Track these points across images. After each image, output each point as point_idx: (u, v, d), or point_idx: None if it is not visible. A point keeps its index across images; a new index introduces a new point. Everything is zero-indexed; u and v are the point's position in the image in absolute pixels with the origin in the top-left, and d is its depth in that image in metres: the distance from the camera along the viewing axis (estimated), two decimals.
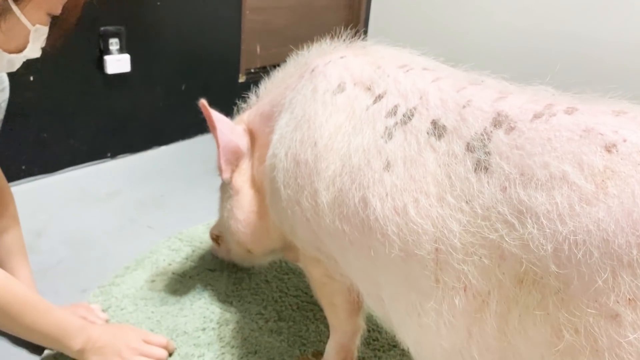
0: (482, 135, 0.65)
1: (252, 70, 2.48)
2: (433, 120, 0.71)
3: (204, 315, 1.22)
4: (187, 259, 1.43)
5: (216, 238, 1.36)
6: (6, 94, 1.17)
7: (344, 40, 1.04)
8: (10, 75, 1.27)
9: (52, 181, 1.81)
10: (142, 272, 1.36)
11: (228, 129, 1.10)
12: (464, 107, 0.70)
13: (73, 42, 1.74)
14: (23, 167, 1.75)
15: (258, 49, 2.47)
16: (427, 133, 0.71)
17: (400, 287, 0.70)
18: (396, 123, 0.75)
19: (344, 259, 0.85)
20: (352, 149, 0.79)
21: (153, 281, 1.33)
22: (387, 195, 0.71)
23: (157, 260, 1.41)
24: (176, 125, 2.17)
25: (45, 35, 0.92)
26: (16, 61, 0.92)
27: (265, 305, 1.27)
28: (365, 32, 2.96)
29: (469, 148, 0.65)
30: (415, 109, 0.75)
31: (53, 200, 1.70)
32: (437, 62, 0.90)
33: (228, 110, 2.40)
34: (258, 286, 1.33)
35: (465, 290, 0.60)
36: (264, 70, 2.59)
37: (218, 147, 1.10)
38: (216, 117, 1.10)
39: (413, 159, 0.71)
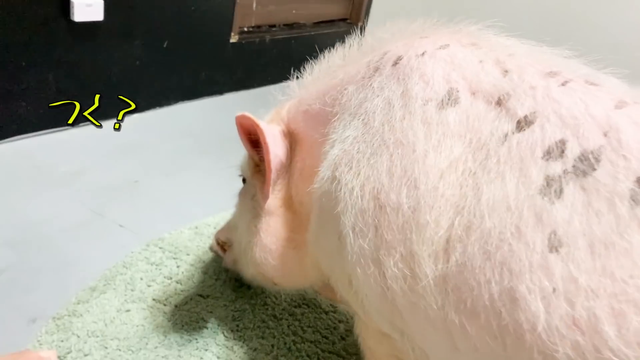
0: None
1: (246, 29, 2.11)
2: (638, 178, 0.45)
3: None
4: (171, 278, 1.11)
5: (222, 244, 1.07)
6: None
7: (437, 19, 0.72)
8: None
9: None
10: (113, 296, 1.04)
11: (277, 145, 0.78)
12: None
13: None
14: None
15: (254, 4, 2.10)
16: (632, 200, 0.44)
17: None
18: (565, 172, 0.48)
19: (448, 359, 0.57)
20: (485, 204, 0.51)
21: (128, 311, 1.01)
22: (556, 293, 0.45)
23: (132, 278, 1.09)
24: (155, 89, 1.80)
25: None
26: None
27: (276, 355, 0.97)
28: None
29: None
30: (600, 152, 0.48)
31: None
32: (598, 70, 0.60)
33: (217, 74, 2.04)
34: (265, 324, 1.04)
35: None
36: (259, 30, 2.23)
37: (269, 173, 0.78)
38: (269, 134, 0.76)
39: (606, 239, 0.44)
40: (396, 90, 0.63)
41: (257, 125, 0.75)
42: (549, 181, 0.48)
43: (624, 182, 0.45)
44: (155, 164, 1.55)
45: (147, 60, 1.73)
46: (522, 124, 0.53)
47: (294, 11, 2.30)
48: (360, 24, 2.66)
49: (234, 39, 2.02)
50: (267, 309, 1.08)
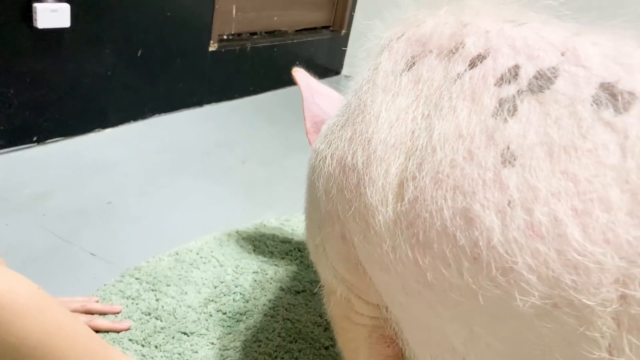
0: None
1: (226, 37, 2.00)
2: (602, 84, 0.44)
3: None
4: (149, 313, 0.99)
5: None
6: None
7: None
8: None
9: None
10: None
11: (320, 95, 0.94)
12: None
13: None
14: None
15: (234, 11, 1.99)
16: (595, 104, 0.43)
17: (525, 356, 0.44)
18: (520, 91, 0.48)
19: (402, 305, 0.57)
20: (437, 138, 0.51)
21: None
22: (511, 204, 0.44)
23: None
24: (128, 102, 1.68)
25: None
26: None
27: None
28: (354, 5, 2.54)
29: None
30: (556, 69, 0.47)
31: None
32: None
33: (195, 85, 1.92)
34: None
35: None
36: (240, 38, 2.12)
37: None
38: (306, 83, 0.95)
39: (567, 144, 0.43)
40: (370, 68, 0.65)
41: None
42: (501, 103, 0.47)
43: (585, 88, 0.44)
44: (130, 183, 1.42)
45: (119, 70, 1.60)
46: (474, 62, 0.52)
47: (275, 18, 2.20)
48: (343, 31, 2.57)
49: (213, 47, 1.91)
50: (259, 345, 0.96)
